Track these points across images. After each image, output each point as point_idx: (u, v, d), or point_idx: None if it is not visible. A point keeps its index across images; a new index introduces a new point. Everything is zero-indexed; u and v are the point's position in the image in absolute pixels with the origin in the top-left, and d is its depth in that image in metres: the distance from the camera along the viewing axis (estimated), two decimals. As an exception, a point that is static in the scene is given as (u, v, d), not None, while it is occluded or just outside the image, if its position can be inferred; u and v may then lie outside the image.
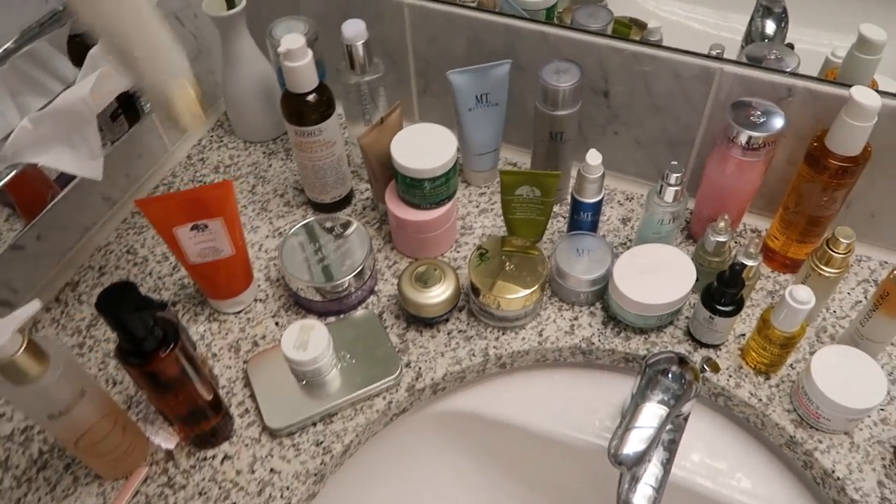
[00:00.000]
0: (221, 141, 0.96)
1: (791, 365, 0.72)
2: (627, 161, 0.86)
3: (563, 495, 0.80)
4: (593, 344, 0.74)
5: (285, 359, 0.68)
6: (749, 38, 0.81)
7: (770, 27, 0.81)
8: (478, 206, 0.87)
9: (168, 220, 0.67)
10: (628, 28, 0.84)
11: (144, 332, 0.55)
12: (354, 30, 0.75)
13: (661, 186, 0.72)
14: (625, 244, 0.82)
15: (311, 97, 0.75)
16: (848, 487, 0.64)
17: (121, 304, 0.52)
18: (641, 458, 0.59)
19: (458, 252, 0.83)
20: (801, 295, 0.64)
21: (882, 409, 0.68)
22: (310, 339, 0.68)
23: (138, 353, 0.56)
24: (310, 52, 0.72)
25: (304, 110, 0.75)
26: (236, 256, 0.73)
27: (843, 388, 0.64)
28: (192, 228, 0.68)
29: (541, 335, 0.75)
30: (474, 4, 0.88)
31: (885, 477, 0.64)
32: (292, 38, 0.70)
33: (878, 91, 0.68)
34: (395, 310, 0.77)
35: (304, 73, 0.73)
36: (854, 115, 0.64)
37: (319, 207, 0.86)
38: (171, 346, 0.57)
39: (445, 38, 0.84)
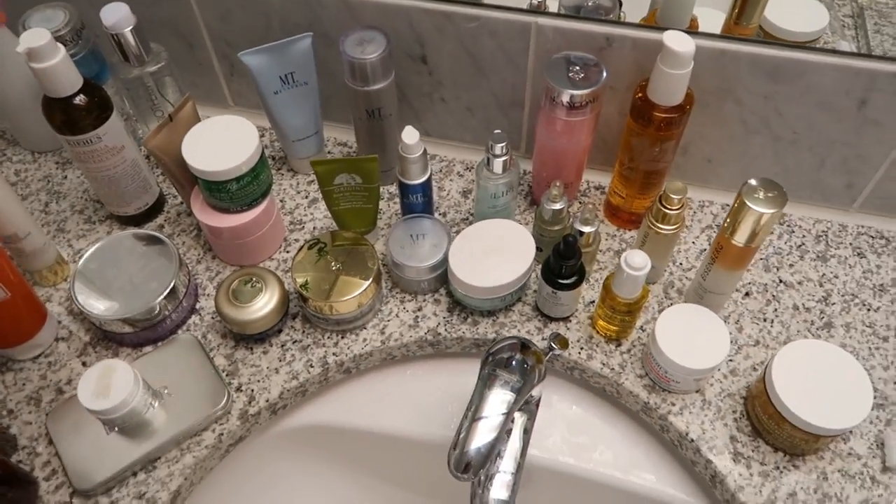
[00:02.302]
0: (4, 154, 0.83)
1: (641, 327, 0.69)
2: (461, 129, 0.80)
3: (435, 490, 0.76)
4: (440, 334, 0.69)
5: (87, 411, 0.59)
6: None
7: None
8: (307, 197, 0.79)
9: None
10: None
11: None
12: (116, 15, 0.64)
13: (488, 159, 0.67)
14: (467, 219, 0.77)
15: (77, 99, 0.64)
16: (703, 447, 0.63)
17: None
18: (489, 455, 0.55)
19: (287, 252, 0.75)
20: (637, 260, 0.60)
21: (730, 360, 0.67)
22: (111, 383, 0.59)
23: None
24: (60, 48, 0.60)
25: (73, 116, 0.64)
26: (15, 297, 0.62)
27: (688, 349, 0.62)
28: (-56, 277, 0.58)
29: (383, 333, 0.69)
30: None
31: (736, 431, 0.63)
32: (34, 34, 0.59)
33: (694, 33, 0.65)
34: (221, 328, 0.69)
35: (60, 73, 0.61)
36: (670, 63, 0.60)
37: (125, 221, 0.76)
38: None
39: (240, 12, 0.74)
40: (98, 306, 0.65)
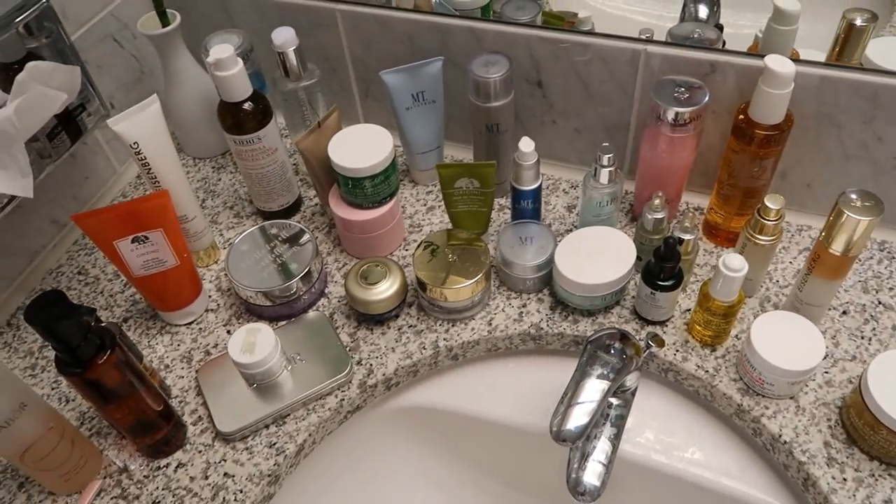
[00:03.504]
0: (171, 158, 0.97)
1: (736, 336, 0.73)
2: (569, 150, 0.88)
3: (525, 481, 0.81)
4: (542, 329, 0.75)
5: (233, 363, 0.68)
6: (683, 22, 0.83)
7: (703, 11, 0.83)
8: (425, 205, 0.88)
9: (107, 234, 0.68)
10: (560, 20, 0.86)
11: (77, 339, 0.55)
12: (284, 37, 0.76)
13: (595, 169, 0.73)
14: (570, 230, 0.83)
15: (246, 105, 0.76)
16: (795, 450, 0.64)
17: (49, 313, 0.53)
18: (583, 433, 0.59)
19: (406, 250, 0.83)
20: (734, 262, 0.65)
21: (826, 372, 0.69)
22: (256, 343, 0.69)
23: (75, 361, 0.56)
24: (239, 61, 0.73)
25: (241, 119, 0.76)
26: (181, 266, 0.73)
27: (783, 352, 0.65)
28: (132, 241, 0.69)
29: (490, 324, 0.76)
30: (411, 6, 0.90)
31: (830, 437, 0.65)
32: (221, 48, 0.72)
33: (795, 60, 0.70)
34: (346, 310, 0.78)
35: (236, 82, 0.74)
36: (770, 83, 0.65)
37: (268, 216, 0.87)
38: (108, 351, 0.57)
39: (380, 41, 0.85)
40: (245, 281, 0.75)
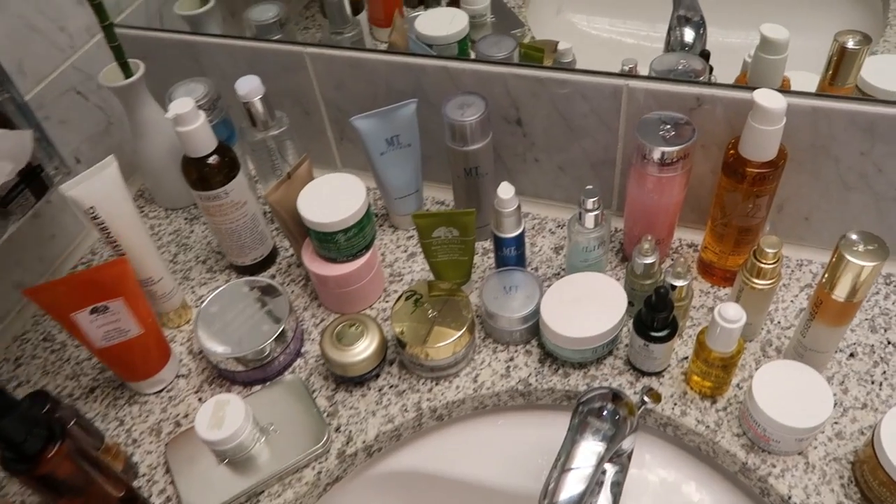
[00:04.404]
0: (142, 210, 0.93)
1: (738, 385, 0.68)
2: (554, 188, 0.84)
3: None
4: (531, 385, 0.70)
5: (201, 440, 0.64)
6: (669, 48, 0.80)
7: (689, 35, 0.80)
8: (406, 251, 0.84)
9: (63, 307, 0.64)
10: (540, 52, 0.83)
11: (21, 434, 0.51)
12: (248, 86, 0.73)
13: (580, 213, 0.69)
14: (558, 274, 0.79)
15: (211, 159, 0.72)
16: (807, 512, 0.60)
17: (-13, 411, 0.49)
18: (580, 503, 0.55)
19: (387, 302, 0.79)
20: (730, 313, 0.60)
21: (836, 422, 0.65)
22: (225, 416, 0.64)
23: (21, 458, 0.52)
24: (201, 115, 0.69)
25: (206, 174, 0.72)
26: (146, 334, 0.69)
27: (788, 406, 0.60)
28: (91, 312, 0.65)
29: (476, 381, 0.71)
30: (385, 46, 0.86)
31: (844, 497, 0.60)
32: (180, 103, 0.68)
33: (786, 91, 0.66)
34: (324, 370, 0.74)
35: (199, 137, 0.70)
36: (760, 120, 0.61)
37: (242, 270, 0.83)
38: (59, 442, 0.53)
39: (352, 83, 0.81)
40: (215, 347, 0.71)
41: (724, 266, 0.75)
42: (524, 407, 0.73)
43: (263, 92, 0.74)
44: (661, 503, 0.66)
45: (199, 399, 0.73)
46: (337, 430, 0.69)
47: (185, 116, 0.68)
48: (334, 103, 0.85)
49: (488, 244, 0.82)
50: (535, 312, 0.71)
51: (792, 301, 0.74)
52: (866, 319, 0.71)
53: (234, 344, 0.71)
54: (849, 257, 0.56)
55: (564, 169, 0.81)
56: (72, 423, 0.63)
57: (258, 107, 0.74)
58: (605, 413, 0.59)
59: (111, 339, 0.67)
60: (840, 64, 0.69)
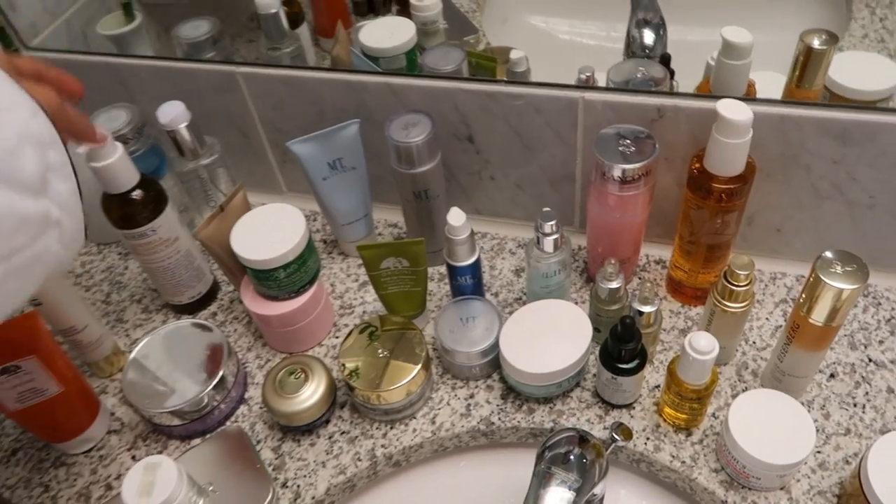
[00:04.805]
0: (72, 247, 0.86)
1: (713, 414, 0.64)
2: (512, 206, 0.78)
3: None
4: (493, 424, 0.65)
5: (130, 509, 0.58)
6: (629, 50, 0.75)
7: (649, 38, 0.75)
8: (357, 280, 0.78)
9: (-33, 369, 0.58)
10: (493, 61, 0.77)
11: None
12: (171, 113, 0.67)
13: (538, 237, 0.64)
14: (520, 299, 0.74)
15: (135, 194, 0.66)
16: (792, 554, 0.56)
17: None
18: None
19: (337, 338, 0.73)
20: (702, 343, 0.56)
21: (819, 451, 0.60)
22: (156, 481, 0.58)
23: None
24: (119, 147, 0.63)
25: (130, 211, 0.66)
26: (68, 391, 0.63)
27: (768, 441, 0.56)
28: (0, 374, 0.58)
29: (434, 422, 0.66)
30: (328, 63, 0.81)
31: (831, 535, 0.56)
32: (93, 135, 0.61)
33: (752, 100, 0.62)
34: (269, 418, 0.68)
35: (118, 171, 0.63)
36: (726, 133, 0.57)
37: (180, 309, 0.77)
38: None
39: (290, 102, 0.75)
40: (147, 401, 0.65)
41: (694, 284, 0.70)
42: (488, 446, 0.68)
43: (189, 118, 0.68)
44: (638, 545, 0.62)
45: (133, 457, 0.67)
46: (284, 485, 0.63)
47: (99, 151, 0.61)
48: (273, 125, 0.79)
49: (445, 269, 0.77)
50: (495, 345, 0.65)
51: (767, 319, 0.69)
52: (845, 336, 0.67)
53: (168, 393, 0.65)
54: (826, 280, 0.52)
55: (522, 186, 0.76)
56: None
57: (184, 134, 0.68)
58: (571, 459, 0.54)
59: (26, 400, 0.61)
60: (807, 65, 0.64)
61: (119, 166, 0.63)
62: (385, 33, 0.76)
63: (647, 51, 0.74)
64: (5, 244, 0.37)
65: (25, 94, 0.39)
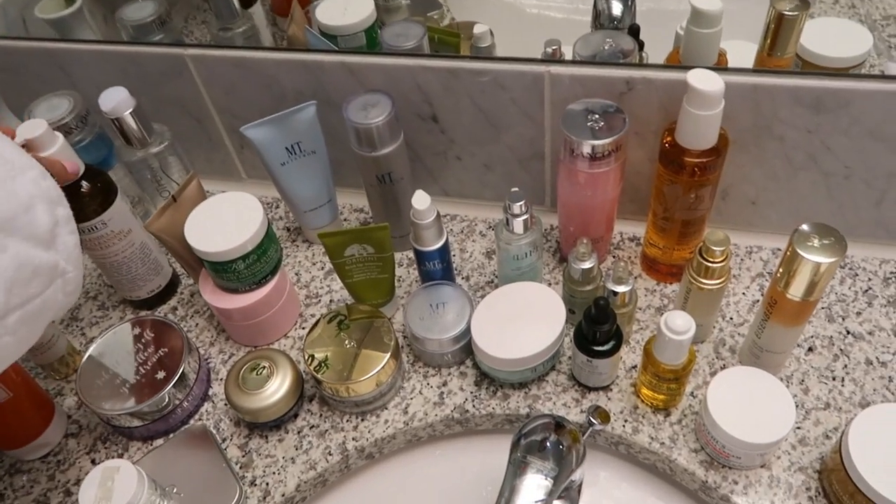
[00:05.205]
0: (23, 243, 0.82)
1: (692, 393, 0.62)
2: (481, 187, 0.76)
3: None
4: (468, 412, 0.63)
5: (89, 517, 0.55)
6: (597, 22, 0.72)
7: (617, 8, 0.72)
8: (323, 269, 0.75)
9: None
10: (456, 37, 0.74)
11: None
12: (114, 99, 0.63)
13: (507, 219, 0.62)
14: (492, 282, 0.72)
15: (82, 186, 0.62)
16: (774, 533, 0.54)
17: None
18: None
19: (303, 328, 0.71)
20: (678, 323, 0.54)
21: (799, 427, 0.59)
22: (114, 488, 0.55)
23: None
24: (59, 137, 0.59)
25: (78, 205, 0.62)
26: (18, 396, 0.60)
27: (747, 420, 0.54)
28: (-59, 381, 0.55)
29: (406, 413, 0.64)
30: (284, 43, 0.77)
31: (812, 512, 0.55)
32: (31, 125, 0.57)
33: (723, 69, 0.60)
34: (235, 415, 0.65)
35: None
36: (696, 104, 0.54)
37: (138, 304, 0.73)
38: None
39: (243, 86, 0.72)
40: (105, 402, 0.62)
41: (669, 261, 0.68)
42: (463, 434, 0.66)
43: (134, 104, 0.64)
44: (619, 528, 0.60)
45: (93, 461, 0.64)
46: (252, 483, 0.61)
47: (38, 140, 0.57)
48: (227, 109, 0.75)
49: (413, 254, 0.75)
50: (467, 331, 0.63)
51: (744, 294, 0.68)
52: (822, 308, 0.66)
53: (128, 394, 0.62)
54: (804, 254, 0.50)
55: (490, 166, 0.73)
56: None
57: (130, 122, 0.64)
58: (547, 447, 0.53)
59: (-28, 408, 0.58)
60: (778, 33, 0.62)
61: (61, 157, 0.60)
62: (342, 10, 0.73)
63: (615, 22, 0.71)
64: (23, 291, 0.41)
65: (33, 159, 0.45)
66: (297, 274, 0.75)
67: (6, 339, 0.41)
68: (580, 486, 0.58)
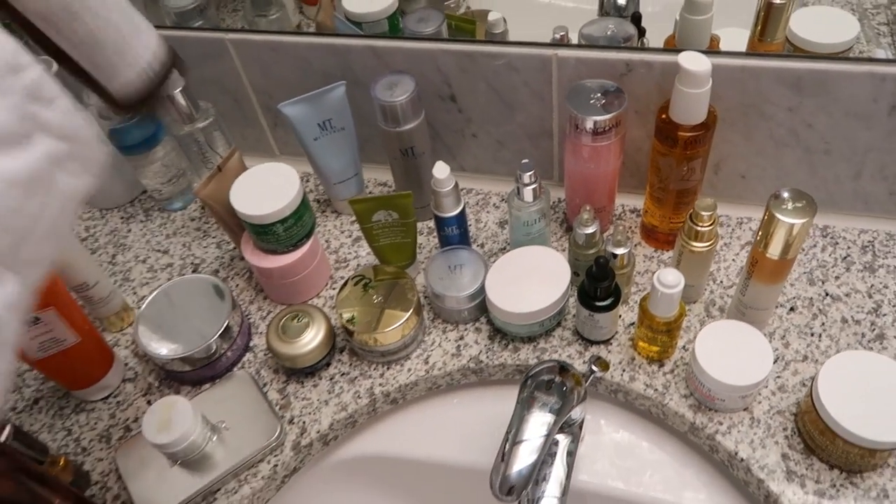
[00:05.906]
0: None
1: (683, 347, 0.69)
2: (495, 162, 0.83)
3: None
4: (482, 362, 0.71)
5: (151, 445, 0.63)
6: (603, 10, 0.79)
7: (621, -2, 0.79)
8: (350, 237, 0.83)
9: (-9, 322, 0.62)
10: (472, 23, 0.81)
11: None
12: (168, 79, 0.70)
13: (518, 188, 0.69)
14: (504, 249, 0.79)
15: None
16: (753, 467, 0.61)
17: None
18: (528, 481, 0.56)
19: (334, 289, 0.78)
20: (669, 278, 0.61)
21: (778, 376, 0.66)
22: (172, 418, 0.63)
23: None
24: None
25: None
26: (84, 343, 0.67)
27: (730, 365, 0.61)
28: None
29: (427, 362, 0.71)
30: (311, 29, 0.84)
31: (788, 448, 0.62)
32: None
33: (712, 52, 0.66)
34: (274, 363, 0.73)
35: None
36: (687, 83, 0.61)
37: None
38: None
39: (278, 67, 0.79)
40: (160, 348, 0.69)
41: (666, 230, 0.75)
42: (477, 384, 0.74)
43: (183, 84, 0.71)
44: (617, 465, 0.67)
45: (148, 402, 0.72)
46: (290, 421, 0.69)
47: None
48: (263, 90, 0.82)
49: (433, 223, 0.82)
50: (482, 290, 0.70)
51: (733, 260, 0.75)
52: (804, 273, 0.73)
53: (178, 344, 0.69)
54: (778, 216, 0.57)
55: (503, 143, 0.80)
56: (4, 438, 0.61)
57: (180, 99, 0.72)
58: (552, 386, 0.60)
59: (47, 349, 0.65)
60: (768, 19, 0.69)
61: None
62: (368, -1, 0.80)
63: (620, 11, 0.77)
64: (18, 219, 0.32)
65: None
66: (326, 241, 0.83)
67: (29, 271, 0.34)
68: (581, 423, 0.65)
